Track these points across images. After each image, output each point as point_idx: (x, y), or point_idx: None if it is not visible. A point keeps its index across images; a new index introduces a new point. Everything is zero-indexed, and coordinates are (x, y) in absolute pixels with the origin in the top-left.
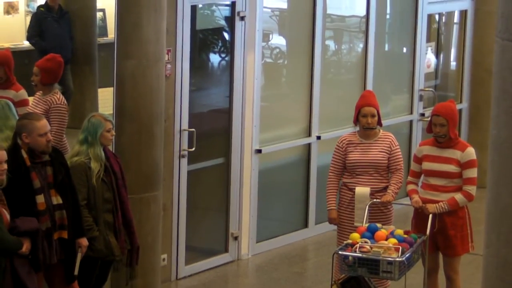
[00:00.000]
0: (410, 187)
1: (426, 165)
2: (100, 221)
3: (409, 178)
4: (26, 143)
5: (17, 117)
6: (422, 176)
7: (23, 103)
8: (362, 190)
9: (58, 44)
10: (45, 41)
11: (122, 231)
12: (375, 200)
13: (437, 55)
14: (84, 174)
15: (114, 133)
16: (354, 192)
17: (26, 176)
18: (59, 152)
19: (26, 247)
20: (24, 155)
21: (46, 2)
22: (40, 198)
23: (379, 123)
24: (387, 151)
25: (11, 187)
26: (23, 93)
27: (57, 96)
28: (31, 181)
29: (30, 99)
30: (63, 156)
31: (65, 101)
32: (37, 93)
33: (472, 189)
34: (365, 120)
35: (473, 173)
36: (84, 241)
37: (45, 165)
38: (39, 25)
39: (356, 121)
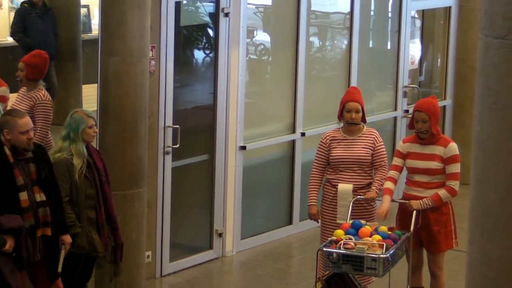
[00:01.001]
0: (387, 185)
1: (410, 163)
2: (82, 218)
3: (390, 173)
4: (7, 140)
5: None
6: (406, 173)
7: (1, 99)
8: (345, 187)
9: (42, 41)
10: (29, 37)
11: (105, 228)
12: (358, 196)
13: (422, 52)
14: (67, 170)
15: (96, 130)
16: (337, 188)
17: (9, 173)
18: (42, 148)
19: (9, 244)
20: (7, 151)
21: None
22: (24, 195)
23: (363, 119)
24: (370, 148)
25: None
26: (4, 89)
27: (42, 93)
28: (14, 178)
29: (15, 95)
30: (46, 152)
31: (50, 98)
32: (22, 89)
33: (455, 184)
34: (349, 115)
35: (456, 168)
36: (67, 238)
37: (28, 162)
38: (23, 21)
39: (340, 116)
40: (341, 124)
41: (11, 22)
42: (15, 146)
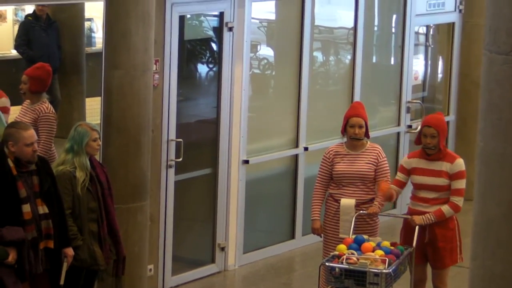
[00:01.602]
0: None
1: (416, 179)
2: (84, 230)
3: (392, 187)
4: (12, 152)
5: (6, 125)
6: (412, 188)
7: (3, 110)
8: (347, 202)
9: (46, 53)
10: (33, 50)
11: (107, 241)
12: (361, 211)
13: (425, 67)
14: (69, 183)
15: (100, 143)
16: (340, 203)
17: (12, 185)
18: (46, 161)
19: (12, 256)
20: (11, 164)
21: (34, 11)
22: (26, 208)
23: (367, 134)
24: (374, 163)
25: None
26: (4, 100)
27: (46, 105)
28: (17, 190)
29: (18, 107)
30: (49, 165)
31: (53, 110)
32: (25, 102)
33: (459, 200)
34: (353, 130)
35: (461, 184)
36: (70, 251)
37: (32, 174)
38: (27, 34)
39: (344, 131)
40: (345, 139)
41: (15, 35)
42: (19, 158)
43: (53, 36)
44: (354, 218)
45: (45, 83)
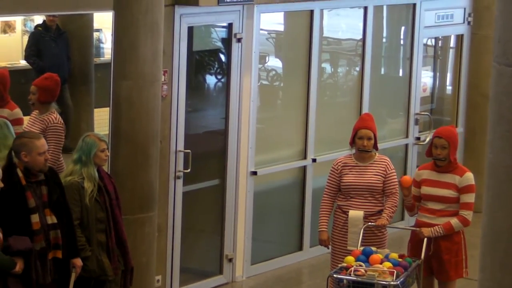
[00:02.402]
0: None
1: (425, 190)
2: (93, 241)
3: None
4: (24, 162)
5: (13, 136)
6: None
7: (17, 122)
8: (356, 214)
9: (56, 64)
10: (43, 60)
11: (115, 251)
12: (369, 223)
13: (433, 79)
14: (77, 193)
15: (108, 154)
16: (348, 215)
17: (21, 195)
18: (54, 171)
19: (19, 266)
20: (20, 174)
21: (43, 21)
22: (35, 218)
23: (375, 146)
24: (382, 175)
25: (5, 206)
26: (17, 111)
27: (54, 116)
28: (26, 200)
29: (27, 118)
30: (58, 176)
31: (62, 121)
32: (34, 112)
33: (468, 214)
34: (361, 142)
35: (470, 198)
36: (78, 262)
37: (40, 184)
38: (37, 45)
39: (352, 142)
40: (353, 151)
41: (24, 45)
42: (29, 168)
43: (63, 47)
44: (362, 230)
45: (54, 93)
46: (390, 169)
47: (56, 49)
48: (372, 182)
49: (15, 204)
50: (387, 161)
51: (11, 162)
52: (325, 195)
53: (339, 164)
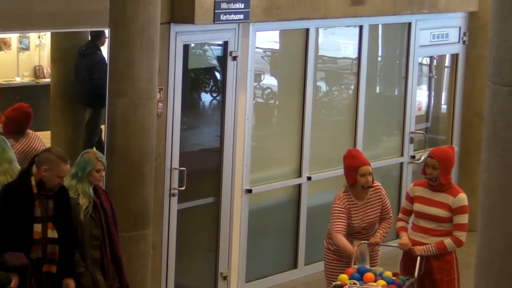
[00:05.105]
0: (400, 224)
1: (417, 207)
2: (87, 257)
3: (400, 215)
4: (42, 175)
5: (11, 150)
6: (413, 216)
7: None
8: (361, 247)
9: None
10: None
11: (110, 268)
12: (363, 242)
13: (428, 98)
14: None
15: (103, 174)
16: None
17: (29, 203)
18: (65, 189)
19: (14, 282)
20: (33, 182)
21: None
22: (38, 227)
23: (372, 180)
24: (379, 207)
25: (12, 209)
26: None
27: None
28: (33, 209)
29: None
30: (67, 194)
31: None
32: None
33: (461, 235)
34: (365, 179)
35: (463, 219)
36: (71, 283)
37: (49, 198)
38: None
39: (353, 181)
40: (347, 188)
41: (19, 63)
42: (43, 182)
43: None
44: (356, 246)
45: (21, 125)
46: (384, 197)
47: None
48: (374, 219)
49: (22, 210)
50: (380, 190)
51: (29, 169)
52: (339, 232)
53: (344, 202)
